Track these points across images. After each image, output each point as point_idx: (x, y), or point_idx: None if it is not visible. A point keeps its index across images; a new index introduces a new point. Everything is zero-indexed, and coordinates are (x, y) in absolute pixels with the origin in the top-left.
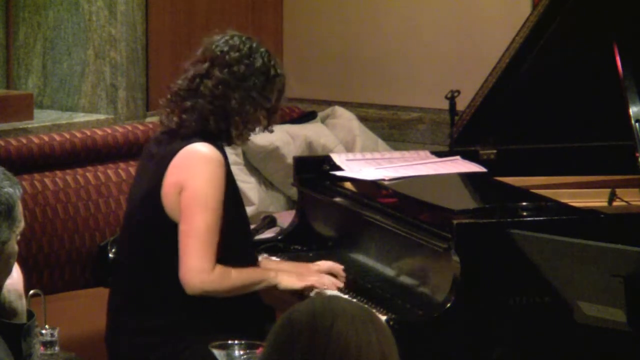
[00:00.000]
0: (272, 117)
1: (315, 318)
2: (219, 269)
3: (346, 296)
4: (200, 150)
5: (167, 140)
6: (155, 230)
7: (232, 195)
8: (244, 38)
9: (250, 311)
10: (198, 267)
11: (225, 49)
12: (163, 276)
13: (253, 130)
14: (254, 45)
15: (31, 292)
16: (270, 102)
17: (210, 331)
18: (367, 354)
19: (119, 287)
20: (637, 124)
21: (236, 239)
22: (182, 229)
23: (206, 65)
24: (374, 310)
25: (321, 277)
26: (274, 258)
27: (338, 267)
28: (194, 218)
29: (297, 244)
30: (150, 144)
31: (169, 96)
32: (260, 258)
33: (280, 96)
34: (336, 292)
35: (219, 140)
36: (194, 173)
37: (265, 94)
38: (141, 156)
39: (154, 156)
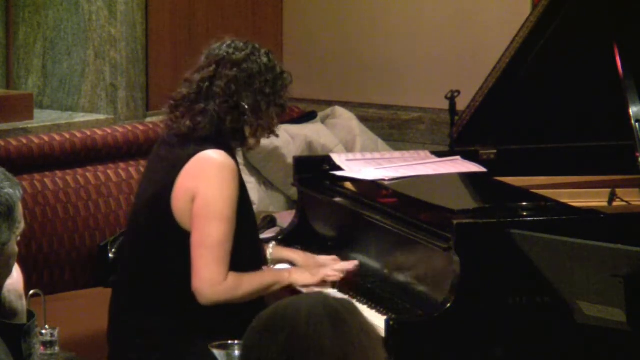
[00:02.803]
0: (281, 115)
1: (270, 321)
2: (232, 277)
3: (334, 291)
4: (214, 158)
5: (179, 144)
6: (161, 233)
7: (243, 201)
8: (244, 41)
9: (250, 312)
10: (211, 279)
11: (230, 50)
12: (165, 278)
13: (265, 129)
14: (256, 45)
15: (31, 292)
16: (282, 98)
17: (210, 332)
18: (319, 353)
19: (121, 287)
20: (637, 124)
21: (246, 244)
22: (195, 238)
23: (212, 67)
24: (368, 309)
25: (336, 266)
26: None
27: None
28: (207, 228)
29: (297, 244)
30: (160, 146)
31: (172, 102)
32: (270, 246)
33: (287, 94)
34: (331, 290)
35: (233, 141)
36: (207, 182)
37: (276, 90)
38: (150, 157)
39: (164, 159)
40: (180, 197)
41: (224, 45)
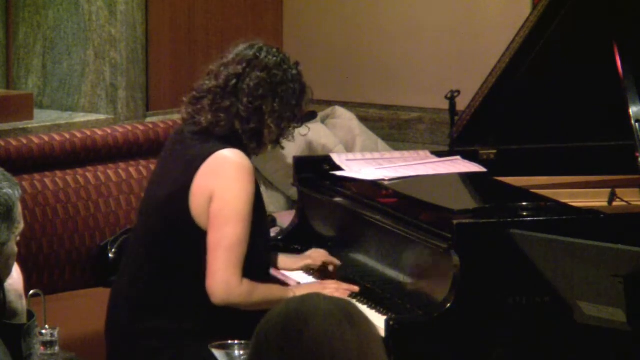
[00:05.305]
0: (295, 129)
1: (286, 322)
2: (247, 283)
3: (335, 293)
4: (232, 158)
5: (197, 141)
6: (176, 232)
7: (257, 202)
8: (275, 48)
9: (252, 313)
10: (227, 280)
11: (262, 54)
12: (167, 278)
13: (281, 136)
14: (287, 55)
15: (31, 292)
16: (302, 112)
17: (211, 333)
18: (341, 353)
19: (120, 287)
20: (637, 124)
21: (259, 246)
22: (212, 239)
23: (242, 66)
24: (365, 308)
25: (339, 284)
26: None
27: (330, 259)
28: (225, 229)
29: (297, 244)
30: (175, 142)
31: (195, 94)
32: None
33: (305, 109)
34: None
35: (251, 142)
36: (225, 182)
37: (300, 102)
38: (163, 154)
39: (180, 157)
40: (197, 195)
41: (256, 47)
